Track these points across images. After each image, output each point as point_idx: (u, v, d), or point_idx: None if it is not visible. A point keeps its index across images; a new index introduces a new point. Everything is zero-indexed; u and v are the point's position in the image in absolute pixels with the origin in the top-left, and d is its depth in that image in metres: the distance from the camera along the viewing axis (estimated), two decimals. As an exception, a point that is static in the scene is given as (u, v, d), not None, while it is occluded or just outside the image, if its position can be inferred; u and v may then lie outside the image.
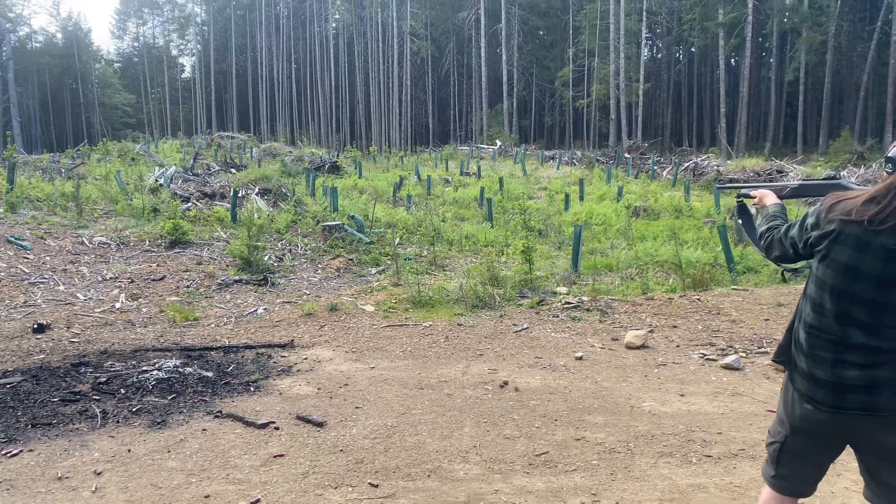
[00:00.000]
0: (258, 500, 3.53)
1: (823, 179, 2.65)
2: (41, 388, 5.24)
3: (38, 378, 5.50)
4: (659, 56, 60.58)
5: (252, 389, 5.33)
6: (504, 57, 55.60)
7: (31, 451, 4.14)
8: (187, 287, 9.20)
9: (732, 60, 50.32)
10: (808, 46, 39.12)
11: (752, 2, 40.11)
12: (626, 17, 45.04)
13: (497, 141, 44.54)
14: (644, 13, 46.39)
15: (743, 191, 2.83)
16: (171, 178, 17.29)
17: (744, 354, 6.24)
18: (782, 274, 2.73)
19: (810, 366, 2.14)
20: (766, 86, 49.98)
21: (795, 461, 2.28)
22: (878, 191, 2.03)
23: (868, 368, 2.03)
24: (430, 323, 7.51)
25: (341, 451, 4.14)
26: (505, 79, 55.39)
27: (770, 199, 2.64)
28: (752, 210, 2.80)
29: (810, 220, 2.17)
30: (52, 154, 31.56)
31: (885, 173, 2.09)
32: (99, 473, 3.84)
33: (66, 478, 3.80)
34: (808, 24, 39.40)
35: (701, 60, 54.24)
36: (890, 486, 2.12)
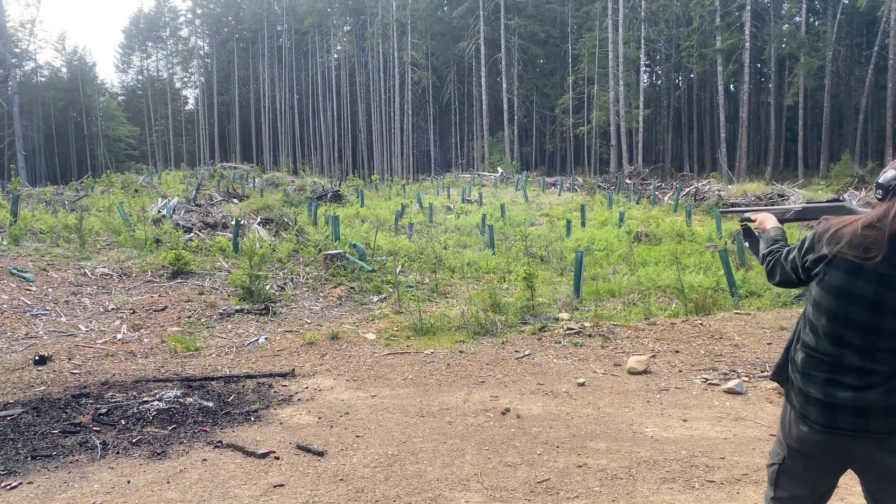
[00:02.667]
0: (257, 531, 3.50)
1: (827, 202, 2.65)
2: (42, 420, 5.23)
3: (38, 410, 5.49)
4: (658, 82, 61.00)
5: (252, 419, 5.31)
6: (504, 85, 56.06)
7: (30, 483, 4.13)
8: (189, 317, 9.21)
9: (731, 86, 50.65)
10: (807, 71, 39.36)
11: (750, 28, 40.50)
12: (625, 45, 45.48)
13: (498, 168, 44.72)
14: (642, 41, 46.80)
15: (746, 215, 2.85)
16: (174, 209, 17.39)
17: (746, 379, 6.21)
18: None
19: (805, 384, 2.15)
20: (765, 111, 50.25)
21: (793, 483, 2.27)
22: (873, 217, 2.03)
23: (860, 390, 2.03)
24: (432, 350, 7.50)
25: (342, 480, 4.12)
26: (505, 106, 55.79)
27: (770, 222, 2.65)
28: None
29: (807, 245, 2.18)
30: (55, 186, 31.76)
31: (875, 199, 2.11)
32: (98, 505, 3.82)
33: (65, 510, 3.78)
34: (806, 49, 39.69)
35: (700, 86, 54.58)
36: None
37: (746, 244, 2.81)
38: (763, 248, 2.49)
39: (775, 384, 5.83)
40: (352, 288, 11.06)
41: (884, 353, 2.01)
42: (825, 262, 2.08)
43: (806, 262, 2.17)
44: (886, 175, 2.07)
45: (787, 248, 2.35)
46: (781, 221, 2.68)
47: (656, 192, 28.04)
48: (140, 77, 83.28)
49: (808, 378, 2.14)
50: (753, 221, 2.77)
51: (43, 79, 71.42)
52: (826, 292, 2.09)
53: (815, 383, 2.12)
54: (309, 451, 4.58)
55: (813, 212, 2.65)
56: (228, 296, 10.26)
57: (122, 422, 5.20)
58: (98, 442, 4.75)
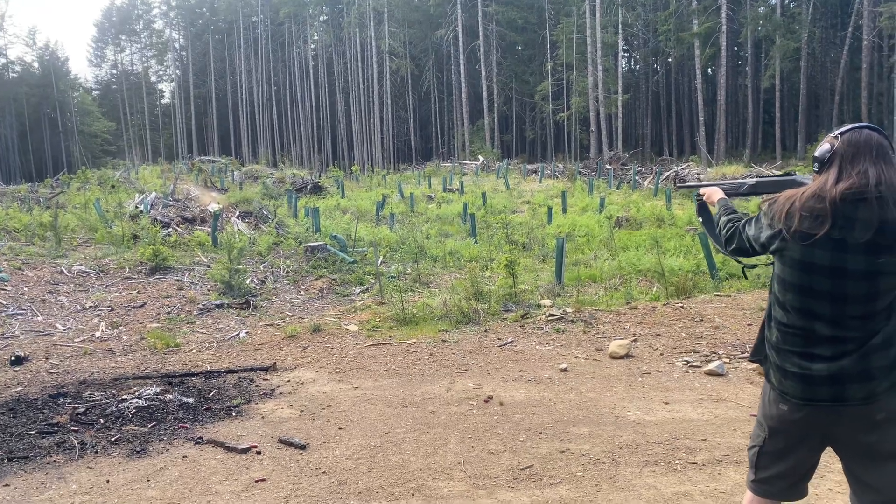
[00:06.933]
0: (239, 527, 3.47)
1: (779, 176, 2.68)
2: (18, 421, 5.14)
3: (14, 411, 5.40)
4: (637, 67, 61.15)
5: (234, 414, 5.26)
6: (483, 73, 55.93)
7: (6, 485, 4.06)
8: (168, 313, 9.11)
9: (709, 70, 50.82)
10: (783, 54, 39.61)
11: (726, 11, 40.63)
12: (602, 31, 45.47)
13: (479, 156, 44.66)
14: (620, 26, 46.82)
15: (700, 190, 2.86)
16: (152, 205, 17.19)
17: (727, 360, 6.25)
18: (742, 271, 2.75)
19: (781, 360, 2.19)
20: (743, 93, 50.56)
21: (774, 464, 2.28)
22: (815, 188, 2.09)
23: (834, 360, 2.07)
24: (415, 340, 7.47)
25: (324, 473, 4.09)
26: (485, 94, 55.68)
27: (717, 194, 2.71)
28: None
29: (762, 222, 2.23)
30: (30, 184, 31.32)
31: (813, 172, 2.18)
32: (76, 506, 3.77)
33: (43, 512, 3.72)
34: (782, 31, 39.90)
35: (678, 70, 54.79)
36: (869, 485, 2.13)
37: (701, 219, 2.84)
38: (722, 216, 2.53)
39: (755, 365, 5.87)
40: (333, 280, 10.99)
41: (853, 319, 2.06)
42: (781, 238, 2.12)
43: (760, 239, 2.23)
44: (822, 148, 2.15)
45: (744, 220, 2.40)
46: (736, 196, 2.73)
47: (636, 177, 28.17)
48: (114, 71, 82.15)
49: (783, 353, 2.18)
50: (701, 196, 2.81)
51: (14, 75, 70.17)
52: (788, 267, 2.14)
53: (790, 358, 2.16)
54: (291, 444, 4.54)
55: (766, 186, 2.68)
56: (208, 290, 10.17)
57: (101, 420, 5.13)
58: (76, 442, 4.68)
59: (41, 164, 65.32)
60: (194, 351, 7.49)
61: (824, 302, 2.07)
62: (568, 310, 8.36)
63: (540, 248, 13.50)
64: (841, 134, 2.11)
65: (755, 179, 2.71)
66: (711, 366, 5.97)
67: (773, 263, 2.27)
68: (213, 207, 16.03)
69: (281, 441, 4.61)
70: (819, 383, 2.09)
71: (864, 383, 2.05)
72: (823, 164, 2.12)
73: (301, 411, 5.29)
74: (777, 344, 2.20)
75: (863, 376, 2.05)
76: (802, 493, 2.33)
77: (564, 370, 6.14)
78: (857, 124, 2.13)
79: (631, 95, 52.27)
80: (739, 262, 2.62)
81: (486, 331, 7.74)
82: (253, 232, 14.40)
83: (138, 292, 10.04)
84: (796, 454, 2.25)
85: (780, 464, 2.27)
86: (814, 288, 2.08)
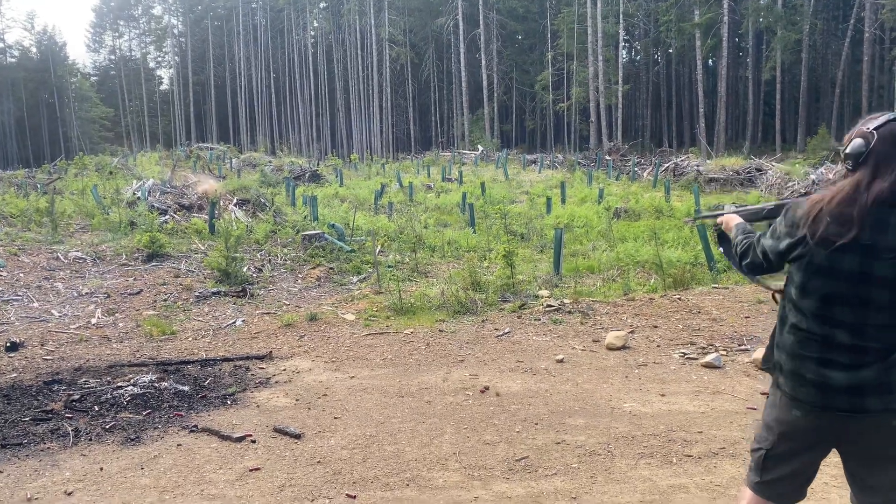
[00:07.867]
0: (232, 516, 3.45)
1: (800, 197, 2.62)
2: (12, 408, 5.13)
3: (9, 397, 5.38)
4: (637, 58, 60.90)
5: (229, 403, 5.25)
6: (483, 62, 55.71)
7: (0, 472, 4.04)
8: (164, 300, 9.09)
9: (710, 61, 50.64)
10: (784, 45, 39.46)
11: (728, 2, 40.45)
12: (604, 20, 45.29)
13: (479, 146, 44.50)
14: (621, 16, 46.63)
15: (718, 220, 2.80)
16: (149, 191, 17.10)
17: (724, 353, 6.23)
18: (773, 296, 2.65)
19: (797, 366, 2.12)
20: (743, 85, 50.41)
21: (779, 466, 2.24)
22: (847, 191, 1.99)
23: (853, 369, 2.01)
24: (412, 330, 7.45)
25: (319, 462, 4.08)
26: (485, 84, 55.47)
27: (735, 220, 2.64)
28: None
29: (782, 230, 2.15)
30: (27, 169, 31.21)
31: (846, 170, 2.06)
32: (69, 493, 3.76)
33: (36, 499, 3.71)
34: (783, 23, 39.75)
35: (679, 61, 54.58)
36: (874, 488, 2.10)
37: (721, 249, 2.78)
38: (739, 235, 2.47)
39: (752, 359, 5.86)
40: (331, 269, 10.96)
41: (875, 328, 1.98)
42: (803, 245, 2.04)
43: (779, 248, 2.14)
44: (854, 144, 2.02)
45: (759, 234, 2.33)
46: (759, 220, 2.65)
47: (635, 168, 28.12)
48: (113, 57, 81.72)
49: (799, 359, 2.11)
50: (720, 224, 2.75)
51: (13, 60, 69.80)
52: (811, 273, 2.05)
53: (806, 364, 2.09)
54: (286, 433, 4.53)
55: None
56: (205, 278, 10.14)
57: (96, 408, 5.11)
58: (70, 429, 4.66)
59: (38, 150, 65.09)
60: (190, 339, 7.48)
61: (846, 309, 2.00)
62: (565, 301, 8.35)
63: (538, 239, 13.47)
64: (877, 129, 1.97)
65: (774, 203, 2.65)
66: (708, 358, 5.96)
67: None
68: (203, 188, 15.99)
69: (276, 430, 4.59)
70: (836, 392, 2.03)
71: (883, 395, 1.99)
72: (857, 160, 2.00)
73: (296, 400, 5.27)
74: (793, 349, 2.13)
75: (883, 389, 1.99)
76: (802, 496, 2.30)
77: (561, 361, 6.12)
78: (892, 116, 1.99)
79: (631, 86, 52.09)
80: (768, 287, 2.53)
81: (483, 321, 7.73)
82: (250, 220, 14.35)
83: (135, 279, 10.01)
84: (803, 458, 2.21)
85: (785, 466, 2.23)
86: (836, 294, 2.00)
